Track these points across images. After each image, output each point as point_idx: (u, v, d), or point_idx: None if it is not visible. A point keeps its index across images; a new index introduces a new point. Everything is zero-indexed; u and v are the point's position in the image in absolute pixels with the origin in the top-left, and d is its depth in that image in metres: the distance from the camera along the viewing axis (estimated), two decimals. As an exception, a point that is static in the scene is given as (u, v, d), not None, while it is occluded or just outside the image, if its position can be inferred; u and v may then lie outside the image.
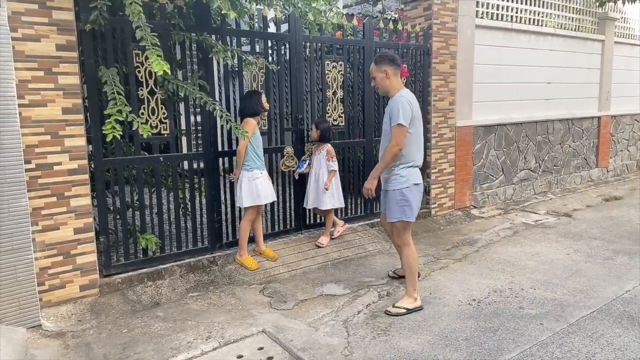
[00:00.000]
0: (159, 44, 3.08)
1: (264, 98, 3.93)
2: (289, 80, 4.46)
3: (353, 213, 5.13)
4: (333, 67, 4.76)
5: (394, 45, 5.15)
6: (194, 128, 4.03)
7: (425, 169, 5.62)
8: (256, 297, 3.60)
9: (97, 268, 3.46)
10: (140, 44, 3.07)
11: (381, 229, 5.10)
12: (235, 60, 3.95)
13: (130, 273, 3.66)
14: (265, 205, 4.19)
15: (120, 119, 3.16)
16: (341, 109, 4.88)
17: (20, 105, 2.97)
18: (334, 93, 4.82)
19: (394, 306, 3.31)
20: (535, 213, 6.06)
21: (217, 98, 4.03)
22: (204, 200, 4.08)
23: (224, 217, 4.19)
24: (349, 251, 4.52)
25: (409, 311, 3.26)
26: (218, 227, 4.11)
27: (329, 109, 4.78)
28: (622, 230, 5.24)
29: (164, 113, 3.68)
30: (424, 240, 5.01)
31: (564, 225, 5.53)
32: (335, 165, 4.42)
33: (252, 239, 4.18)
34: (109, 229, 3.62)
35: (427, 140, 5.56)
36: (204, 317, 3.27)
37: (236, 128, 3.59)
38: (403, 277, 3.53)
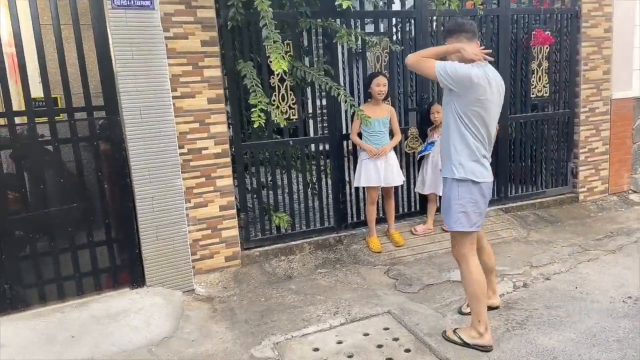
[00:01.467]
0: (279, 40, 3.19)
1: (375, 81, 3.87)
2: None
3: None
4: (462, 41, 4.48)
5: (535, 11, 4.64)
6: (319, 112, 4.16)
7: (572, 148, 5.01)
8: (381, 278, 3.63)
9: (239, 242, 3.82)
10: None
11: (517, 214, 4.73)
12: (359, 43, 3.96)
13: (266, 247, 3.97)
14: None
15: (264, 108, 3.38)
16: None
17: (173, 97, 3.39)
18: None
19: (454, 331, 2.66)
20: None
21: (341, 82, 4.11)
22: (329, 182, 4.22)
23: (348, 198, 4.29)
24: (480, 237, 4.28)
25: (468, 346, 2.56)
26: (343, 207, 4.22)
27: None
28: None
29: (292, 99, 3.86)
30: (569, 228, 4.50)
31: None
32: None
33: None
34: (247, 207, 3.96)
35: (575, 116, 4.95)
36: (331, 293, 3.40)
37: (360, 111, 3.62)
38: (469, 314, 2.71)
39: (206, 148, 3.58)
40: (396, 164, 4.04)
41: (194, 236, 3.64)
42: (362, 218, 4.29)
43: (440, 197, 3.55)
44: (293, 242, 4.06)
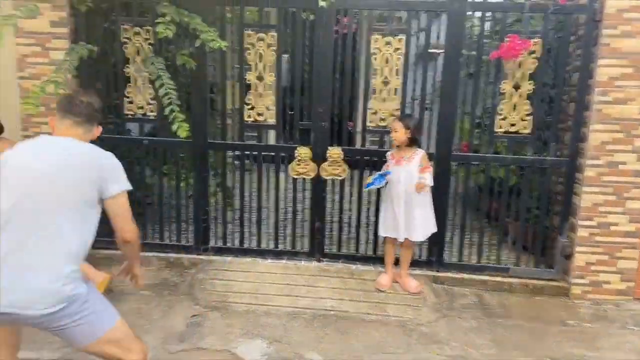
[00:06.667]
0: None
1: None
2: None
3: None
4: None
5: (513, 6, 3.21)
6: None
7: (567, 216, 3.38)
8: (178, 322, 2.97)
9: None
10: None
11: (449, 289, 3.40)
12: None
13: (113, 251, 3.64)
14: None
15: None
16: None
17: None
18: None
19: None
20: None
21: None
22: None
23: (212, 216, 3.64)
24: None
25: None
26: (205, 227, 3.61)
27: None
28: None
29: (150, 93, 3.43)
30: (514, 333, 2.97)
31: None
32: (431, 179, 3.12)
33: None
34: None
35: (577, 169, 3.34)
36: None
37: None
38: None
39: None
40: None
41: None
42: (229, 244, 3.63)
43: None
44: (142, 254, 3.62)
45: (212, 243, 3.66)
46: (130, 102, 3.46)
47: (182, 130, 2.93)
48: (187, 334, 2.85)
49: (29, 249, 1.63)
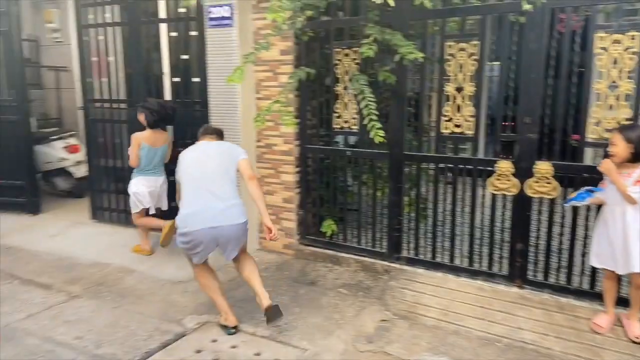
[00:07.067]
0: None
1: None
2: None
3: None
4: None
5: None
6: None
7: None
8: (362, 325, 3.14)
9: (295, 235, 4.12)
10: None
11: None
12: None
13: (317, 249, 4.08)
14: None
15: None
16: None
17: (256, 98, 3.95)
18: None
19: None
20: None
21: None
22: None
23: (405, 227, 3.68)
24: None
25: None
26: (397, 236, 3.69)
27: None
28: None
29: (355, 109, 3.71)
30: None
31: None
32: None
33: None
34: (306, 206, 4.16)
35: None
36: (308, 314, 3.30)
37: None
38: None
39: (276, 144, 4.06)
40: None
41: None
42: (420, 255, 3.63)
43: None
44: (343, 254, 3.96)
45: (404, 253, 3.73)
46: (338, 117, 3.82)
47: (377, 136, 3.10)
48: (375, 336, 2.97)
49: (216, 195, 2.86)
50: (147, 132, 3.99)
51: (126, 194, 4.21)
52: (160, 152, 4.07)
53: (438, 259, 3.62)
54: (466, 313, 3.13)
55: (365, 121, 3.20)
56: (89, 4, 4.71)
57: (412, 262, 3.69)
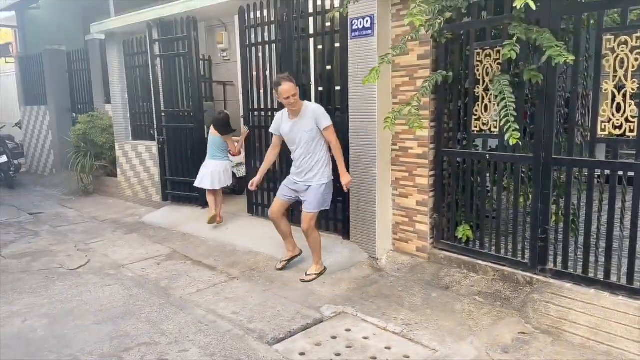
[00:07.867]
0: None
1: None
2: None
3: None
4: None
5: None
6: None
7: None
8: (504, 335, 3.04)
9: (429, 238, 4.15)
10: None
11: None
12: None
13: (452, 254, 4.03)
14: None
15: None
16: None
17: (393, 104, 4.12)
18: None
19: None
20: None
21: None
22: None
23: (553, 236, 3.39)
24: None
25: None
26: (542, 245, 3.44)
27: None
28: None
29: (495, 108, 3.58)
30: None
31: None
32: None
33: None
34: (441, 210, 4.12)
35: None
36: (441, 318, 3.32)
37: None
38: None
39: (411, 148, 4.15)
40: None
41: (396, 219, 4.38)
42: (570, 269, 3.33)
43: None
44: (479, 262, 3.85)
45: (550, 265, 3.46)
46: (477, 120, 3.73)
47: (512, 138, 2.98)
48: (511, 347, 2.86)
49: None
50: None
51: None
52: None
53: (590, 274, 3.28)
54: (621, 334, 2.81)
55: (502, 122, 3.09)
56: (251, 26, 5.39)
57: (558, 275, 3.41)
